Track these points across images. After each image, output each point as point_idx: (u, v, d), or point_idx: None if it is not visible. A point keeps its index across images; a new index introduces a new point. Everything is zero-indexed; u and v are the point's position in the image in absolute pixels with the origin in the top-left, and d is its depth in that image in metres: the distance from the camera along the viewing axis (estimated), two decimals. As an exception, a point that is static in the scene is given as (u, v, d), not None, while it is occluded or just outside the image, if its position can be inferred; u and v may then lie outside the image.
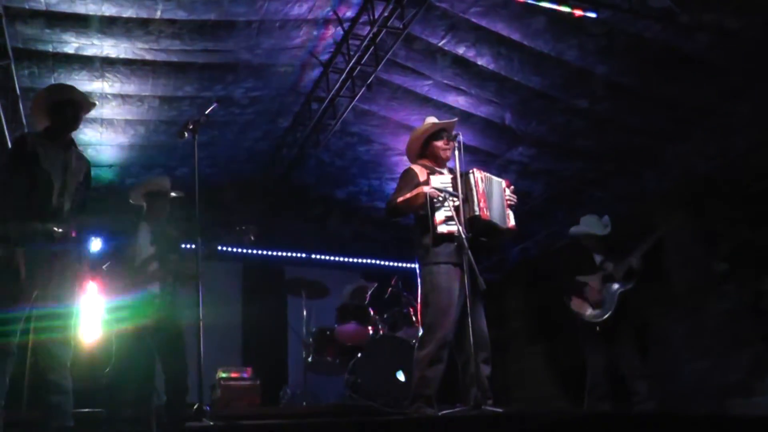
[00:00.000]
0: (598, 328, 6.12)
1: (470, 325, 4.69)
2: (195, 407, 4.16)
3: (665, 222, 6.61)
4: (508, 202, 5.20)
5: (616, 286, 6.14)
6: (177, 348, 5.33)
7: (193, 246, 4.78)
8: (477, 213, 4.94)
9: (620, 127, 7.09)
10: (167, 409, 5.07)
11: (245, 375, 7.18)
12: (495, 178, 5.21)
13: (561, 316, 8.63)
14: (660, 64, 6.15)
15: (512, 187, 5.30)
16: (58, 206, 4.37)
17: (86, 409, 5.17)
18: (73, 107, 4.52)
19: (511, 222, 5.17)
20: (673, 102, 6.58)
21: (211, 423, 4.00)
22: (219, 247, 5.73)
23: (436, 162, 5.24)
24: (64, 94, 4.57)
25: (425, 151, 5.29)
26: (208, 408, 4.19)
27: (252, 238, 5.56)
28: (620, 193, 6.92)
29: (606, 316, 6.08)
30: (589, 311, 6.18)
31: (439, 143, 5.23)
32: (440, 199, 4.93)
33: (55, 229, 4.31)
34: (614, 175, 7.70)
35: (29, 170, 4.33)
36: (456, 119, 5.45)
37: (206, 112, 4.79)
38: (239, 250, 9.48)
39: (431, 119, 5.34)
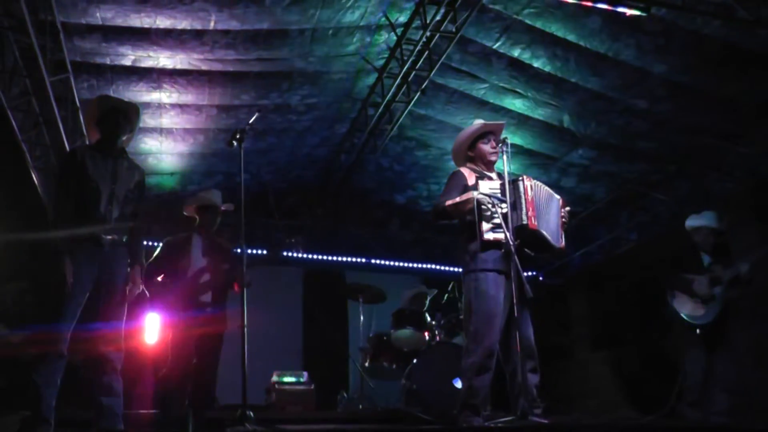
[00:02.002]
0: (698, 331, 5.82)
1: (517, 333, 4.60)
2: (238, 411, 4.19)
3: (729, 225, 6.32)
4: (563, 220, 5.05)
5: (721, 291, 5.81)
6: (214, 352, 5.47)
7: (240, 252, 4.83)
8: (525, 222, 4.79)
9: (681, 128, 6.88)
10: (193, 405, 5.22)
11: (301, 379, 7.23)
12: (548, 190, 5.03)
13: (626, 322, 8.49)
14: (720, 62, 5.94)
15: (568, 207, 5.15)
16: (107, 213, 4.50)
17: (142, 411, 5.31)
18: (114, 116, 4.65)
19: (562, 242, 5.03)
20: (734, 100, 6.35)
21: (250, 428, 4.03)
22: (284, 253, 5.82)
23: (485, 166, 5.14)
24: (106, 104, 4.71)
25: (472, 153, 5.20)
26: (251, 413, 4.20)
27: (300, 249, 5.64)
28: (683, 195, 6.69)
29: (708, 320, 5.77)
30: (691, 312, 5.87)
31: (486, 146, 5.12)
32: (488, 205, 4.83)
33: (103, 236, 4.44)
34: (677, 177, 7.47)
35: (77, 180, 4.47)
36: (504, 123, 5.33)
37: (249, 122, 4.83)
38: (300, 255, 9.57)
39: (479, 121, 5.25)
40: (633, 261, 8.29)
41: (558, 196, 5.06)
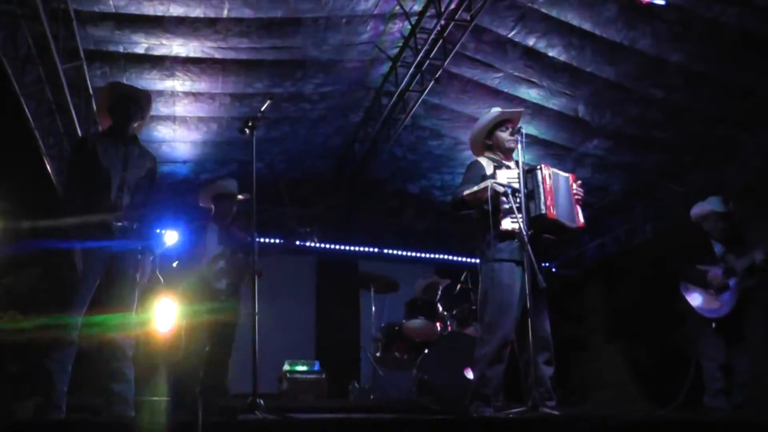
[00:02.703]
0: (714, 325, 5.70)
1: (531, 324, 4.57)
2: (249, 399, 4.19)
3: (737, 209, 6.20)
4: (576, 197, 4.99)
5: (736, 281, 5.68)
6: (227, 340, 5.49)
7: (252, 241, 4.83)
8: (543, 211, 4.75)
9: (698, 118, 6.80)
10: (204, 392, 5.24)
11: (313, 368, 7.24)
12: (561, 174, 4.99)
13: (641, 314, 8.42)
14: (737, 50, 5.85)
15: (579, 181, 5.08)
16: (117, 200, 4.49)
17: (154, 398, 5.32)
18: (126, 103, 4.64)
19: (580, 219, 4.95)
20: (752, 89, 6.25)
21: (261, 416, 4.03)
22: (271, 240, 5.83)
23: (503, 154, 5.10)
24: (118, 91, 4.71)
25: (490, 142, 5.16)
26: (261, 401, 4.20)
27: (316, 239, 5.65)
28: (700, 185, 6.60)
29: (724, 312, 5.66)
30: (706, 304, 5.76)
31: (504, 134, 5.08)
32: (505, 194, 4.80)
33: (114, 222, 4.44)
34: (693, 168, 7.38)
35: (88, 168, 4.47)
36: (522, 110, 5.27)
37: (261, 110, 4.82)
38: (314, 244, 9.58)
39: (496, 110, 5.20)
40: (648, 252, 8.21)
41: (567, 174, 5.00)
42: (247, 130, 4.95)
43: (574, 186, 5.01)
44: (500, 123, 5.11)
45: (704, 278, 5.78)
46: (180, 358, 5.46)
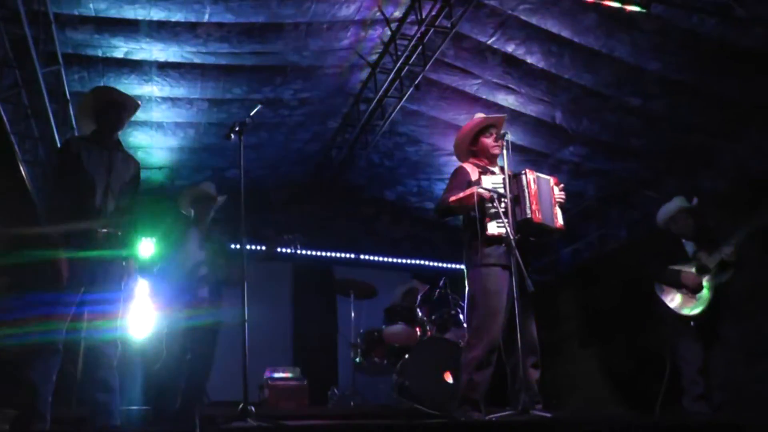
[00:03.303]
0: (692, 323, 5.76)
1: (519, 328, 4.61)
2: (240, 407, 4.15)
3: (719, 223, 6.34)
4: (556, 200, 5.08)
5: (710, 278, 5.76)
6: (208, 348, 5.45)
7: (239, 248, 4.79)
8: (529, 216, 4.86)
9: (674, 126, 6.90)
10: (183, 398, 5.18)
11: (294, 375, 7.19)
12: (544, 177, 5.10)
13: (615, 319, 8.52)
14: (715, 60, 5.95)
15: (561, 185, 5.17)
16: (102, 207, 4.43)
17: (134, 407, 5.25)
18: (115, 108, 4.59)
19: (559, 221, 5.06)
20: (728, 99, 6.36)
21: (255, 424, 4.00)
22: (255, 247, 5.80)
23: (488, 160, 5.15)
24: (107, 96, 4.64)
25: (474, 148, 5.20)
26: (252, 408, 4.16)
27: (299, 246, 5.63)
28: (674, 193, 6.70)
29: (700, 310, 5.72)
30: (683, 304, 5.82)
31: (488, 140, 5.15)
32: (491, 200, 4.85)
33: (99, 229, 4.37)
34: (668, 175, 7.50)
35: (73, 172, 4.40)
36: (505, 115, 5.34)
37: (251, 114, 4.77)
38: (289, 250, 9.51)
39: (480, 115, 5.25)
40: (623, 258, 8.31)
41: (549, 177, 5.09)
42: (233, 136, 4.88)
43: (556, 189, 5.11)
44: (484, 129, 5.17)
45: (678, 278, 5.85)
46: (161, 365, 5.39)
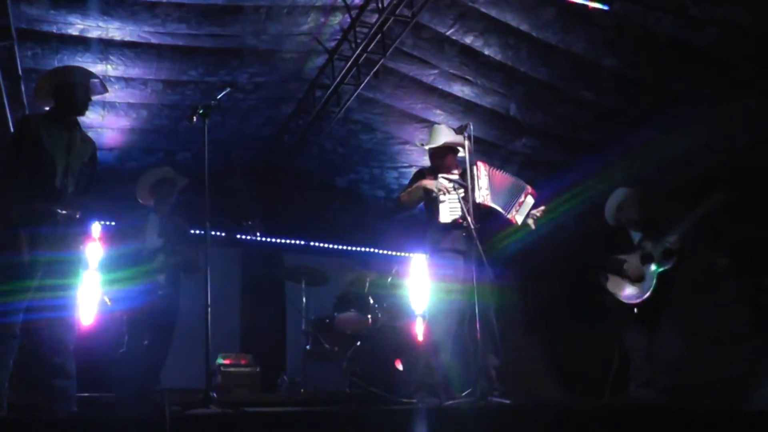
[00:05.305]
0: (636, 310, 5.89)
1: (477, 315, 4.69)
2: (202, 394, 4.12)
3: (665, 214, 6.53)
4: (522, 203, 5.25)
5: (654, 266, 5.88)
6: (166, 334, 5.39)
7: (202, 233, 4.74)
8: (478, 200, 5.05)
9: (625, 120, 7.09)
10: (140, 384, 5.13)
11: (244, 362, 7.15)
12: (511, 177, 5.38)
13: (561, 308, 8.70)
14: (668, 58, 6.13)
15: (536, 205, 5.35)
16: (62, 188, 4.31)
17: (88, 393, 5.14)
18: (86, 91, 4.47)
19: (514, 215, 5.22)
20: (679, 96, 6.56)
21: (218, 410, 3.97)
22: (217, 233, 5.75)
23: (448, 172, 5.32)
24: (78, 78, 4.52)
25: (439, 162, 5.41)
26: (215, 395, 4.13)
27: (258, 233, 5.60)
28: (622, 186, 6.88)
29: (644, 297, 5.84)
30: (627, 291, 5.94)
31: (452, 163, 5.37)
32: (448, 188, 4.99)
33: (59, 210, 4.27)
34: (617, 168, 7.68)
35: (32, 151, 4.26)
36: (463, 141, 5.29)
37: (218, 97, 4.71)
38: (239, 236, 9.42)
39: (443, 137, 5.35)
40: (570, 249, 8.48)
41: (526, 186, 5.26)
42: (196, 118, 4.81)
43: (525, 197, 5.26)
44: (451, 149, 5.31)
45: (621, 266, 5.99)
46: (123, 352, 5.30)
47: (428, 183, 5.09)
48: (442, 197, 5.08)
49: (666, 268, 5.89)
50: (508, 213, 5.20)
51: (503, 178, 5.33)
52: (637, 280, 5.93)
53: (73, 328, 4.38)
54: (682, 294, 6.54)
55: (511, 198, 5.25)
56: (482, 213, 5.10)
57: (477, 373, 4.76)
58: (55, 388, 4.18)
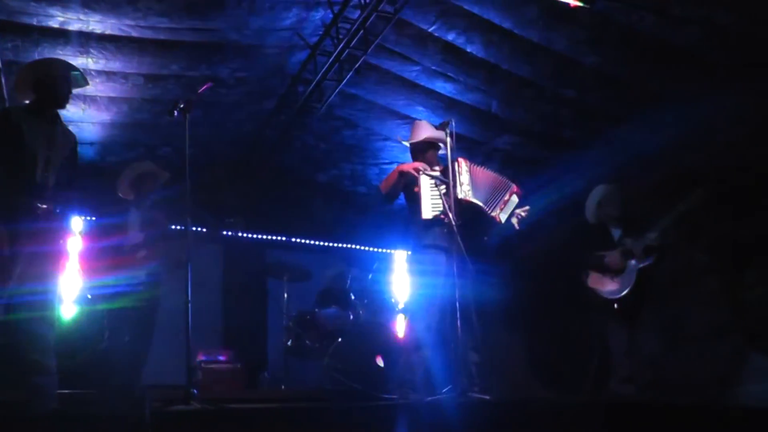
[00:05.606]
0: (616, 306, 5.94)
1: (458, 310, 4.71)
2: (183, 390, 4.10)
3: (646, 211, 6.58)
4: (505, 202, 5.26)
5: (634, 262, 5.94)
6: (146, 330, 5.35)
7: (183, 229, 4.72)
8: (459, 196, 5.04)
9: (606, 118, 7.13)
10: (121, 381, 5.11)
11: (226, 358, 7.13)
12: (495, 174, 5.40)
13: (542, 304, 8.74)
14: (650, 57, 6.17)
15: (520, 203, 5.41)
16: (43, 182, 4.29)
17: (68, 390, 5.11)
18: (67, 84, 4.44)
19: (497, 213, 5.22)
20: (660, 94, 6.61)
21: (199, 406, 3.96)
22: (198, 229, 5.73)
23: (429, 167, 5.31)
24: (59, 70, 4.48)
25: (421, 158, 5.41)
26: (195, 391, 4.11)
27: (240, 230, 5.59)
28: (604, 183, 6.95)
29: (625, 292, 5.90)
30: (607, 287, 6.00)
31: (433, 158, 5.41)
32: (432, 184, 5.00)
33: (39, 205, 4.23)
34: (599, 166, 7.73)
35: (13, 145, 4.23)
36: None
37: (199, 91, 4.69)
38: (220, 232, 9.36)
39: (424, 132, 5.36)
40: (551, 245, 8.52)
41: (512, 185, 5.28)
42: (176, 113, 4.78)
43: (509, 196, 5.27)
44: (432, 145, 5.32)
45: (602, 262, 6.05)
46: (104, 348, 5.26)
47: (405, 166, 5.11)
48: (426, 191, 5.06)
49: (646, 264, 5.95)
50: (491, 211, 5.20)
51: (486, 174, 5.34)
52: (618, 274, 5.97)
53: (53, 324, 4.36)
54: (663, 290, 6.61)
55: (495, 195, 5.25)
56: (464, 210, 5.09)
57: (457, 368, 4.78)
58: (35, 385, 4.14)
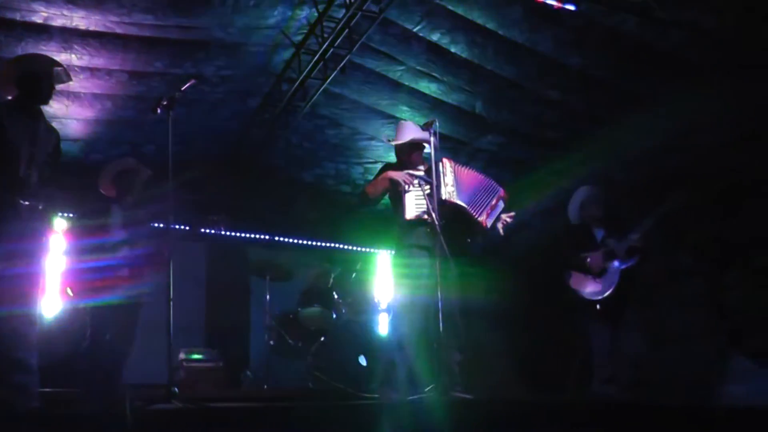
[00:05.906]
0: (598, 306, 5.94)
1: (440, 310, 4.72)
2: (164, 389, 4.08)
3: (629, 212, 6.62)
4: (494, 206, 5.27)
5: (617, 263, 5.95)
6: (129, 329, 5.35)
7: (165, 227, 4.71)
8: (444, 197, 5.04)
9: (590, 119, 7.17)
10: (103, 379, 5.07)
11: (208, 357, 7.11)
12: (482, 176, 5.38)
13: (524, 304, 8.78)
14: (633, 58, 6.21)
15: (504, 207, 5.38)
16: (26, 178, 4.27)
17: (50, 389, 5.08)
18: (50, 80, 4.41)
19: (484, 217, 5.22)
20: (643, 96, 6.65)
21: (180, 405, 3.94)
22: (181, 227, 5.69)
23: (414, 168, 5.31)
24: (43, 66, 4.45)
25: (405, 158, 5.39)
26: (177, 390, 4.10)
27: (223, 228, 5.57)
28: (587, 184, 6.99)
29: (607, 293, 5.91)
30: (589, 288, 6.00)
31: (417, 158, 5.35)
32: (414, 184, 5.01)
33: (22, 201, 4.21)
34: (582, 166, 7.77)
35: None
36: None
37: (182, 88, 4.68)
38: (203, 230, 9.32)
39: (410, 133, 5.36)
40: (534, 246, 8.57)
41: (499, 188, 5.28)
42: (160, 110, 4.76)
43: (496, 201, 5.28)
44: (417, 145, 5.32)
45: (584, 263, 6.07)
46: (87, 347, 5.22)
47: (395, 174, 5.10)
48: (407, 190, 5.08)
49: (629, 265, 5.98)
50: (478, 214, 5.17)
51: (471, 175, 5.32)
52: (601, 275, 5.99)
53: (35, 321, 4.33)
54: (645, 291, 6.67)
55: (480, 197, 5.23)
56: (448, 210, 5.09)
57: (440, 368, 4.79)
58: (16, 383, 4.12)
